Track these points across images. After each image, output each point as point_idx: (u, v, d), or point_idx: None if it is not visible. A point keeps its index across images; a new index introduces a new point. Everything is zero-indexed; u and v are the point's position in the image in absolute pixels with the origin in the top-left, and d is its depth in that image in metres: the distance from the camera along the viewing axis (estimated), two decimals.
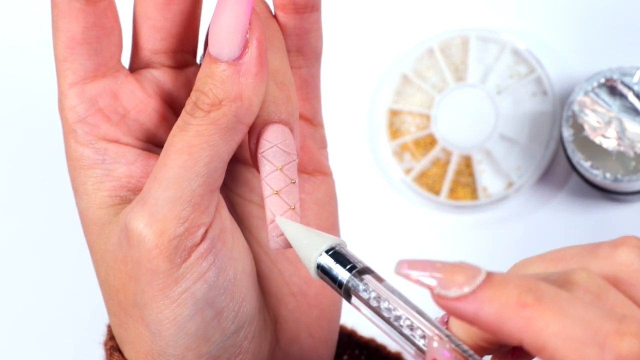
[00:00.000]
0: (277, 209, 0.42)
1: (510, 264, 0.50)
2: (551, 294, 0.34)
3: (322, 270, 0.40)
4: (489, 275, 0.34)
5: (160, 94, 0.45)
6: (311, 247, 0.40)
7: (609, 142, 0.68)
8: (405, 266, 0.36)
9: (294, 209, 0.42)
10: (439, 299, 0.35)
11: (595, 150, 0.68)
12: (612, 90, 0.68)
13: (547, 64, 0.71)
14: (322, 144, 0.49)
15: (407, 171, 0.72)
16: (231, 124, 0.41)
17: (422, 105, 0.73)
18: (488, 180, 0.72)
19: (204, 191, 0.41)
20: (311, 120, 0.48)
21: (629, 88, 0.68)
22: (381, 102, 0.72)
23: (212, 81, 0.41)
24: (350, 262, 0.39)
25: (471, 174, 0.72)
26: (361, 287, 0.38)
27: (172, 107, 0.45)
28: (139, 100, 0.45)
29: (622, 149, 0.68)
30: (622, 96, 0.68)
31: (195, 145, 0.41)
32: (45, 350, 0.73)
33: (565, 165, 0.71)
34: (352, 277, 0.39)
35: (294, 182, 0.42)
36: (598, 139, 0.68)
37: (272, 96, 0.42)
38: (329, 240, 0.40)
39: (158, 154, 0.43)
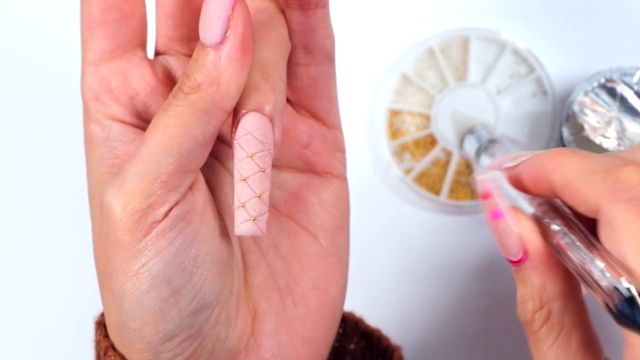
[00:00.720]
0: (243, 196, 0.43)
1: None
2: (583, 151, 0.42)
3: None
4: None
5: (171, 80, 0.46)
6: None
7: (609, 142, 0.68)
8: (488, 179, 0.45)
9: (259, 197, 0.42)
10: (506, 171, 0.46)
11: (595, 150, 0.68)
12: (612, 90, 0.68)
13: (547, 64, 0.71)
14: (336, 147, 0.49)
15: (407, 171, 0.72)
16: (207, 107, 0.42)
17: (422, 105, 0.73)
18: None
19: (175, 170, 0.42)
20: (324, 120, 0.48)
21: (629, 88, 0.68)
22: (381, 102, 0.73)
23: (195, 65, 0.42)
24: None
25: (471, 174, 0.72)
26: None
27: None
28: (147, 84, 0.46)
29: (622, 149, 0.68)
30: (622, 96, 0.68)
31: (170, 125, 0.42)
32: (45, 349, 0.73)
33: None
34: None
35: (264, 171, 0.43)
36: (598, 139, 0.68)
37: (255, 85, 0.43)
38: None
39: None
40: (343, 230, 0.50)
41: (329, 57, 0.47)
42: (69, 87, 0.74)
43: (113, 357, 0.45)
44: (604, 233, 0.41)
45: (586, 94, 0.68)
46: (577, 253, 0.42)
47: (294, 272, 0.48)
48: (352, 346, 0.54)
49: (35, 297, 0.73)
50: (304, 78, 0.47)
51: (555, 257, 0.44)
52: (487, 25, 0.72)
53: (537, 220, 0.45)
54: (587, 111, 0.68)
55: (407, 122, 0.73)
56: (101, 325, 0.46)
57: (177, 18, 0.46)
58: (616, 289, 0.39)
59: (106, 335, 0.46)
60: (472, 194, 0.72)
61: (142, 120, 0.46)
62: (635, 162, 0.41)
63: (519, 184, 0.46)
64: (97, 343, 0.46)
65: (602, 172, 0.41)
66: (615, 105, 0.68)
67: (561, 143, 0.69)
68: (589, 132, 0.68)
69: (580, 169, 0.42)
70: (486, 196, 0.45)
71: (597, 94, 0.68)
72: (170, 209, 0.42)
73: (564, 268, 0.44)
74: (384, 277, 0.73)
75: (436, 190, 0.72)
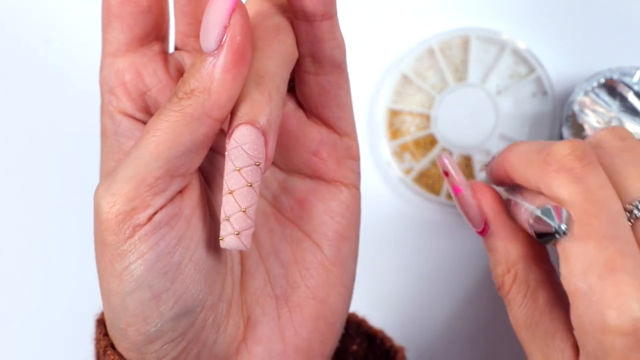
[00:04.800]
0: (228, 209, 0.42)
1: None
2: (532, 141, 0.48)
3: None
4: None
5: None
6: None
7: None
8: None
9: (244, 211, 0.42)
10: (484, 169, 0.53)
11: None
12: (612, 90, 0.68)
13: (547, 64, 0.71)
14: (348, 155, 0.49)
15: (407, 171, 0.72)
16: (197, 114, 0.42)
17: (422, 105, 0.73)
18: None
19: (161, 174, 0.42)
20: (335, 128, 0.48)
21: (629, 88, 0.68)
22: (381, 102, 0.72)
23: (192, 70, 0.42)
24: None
25: (471, 174, 0.72)
26: None
27: None
28: (159, 80, 0.46)
29: None
30: (622, 96, 0.68)
31: (160, 129, 0.42)
32: (47, 347, 0.73)
33: None
34: None
35: (251, 186, 0.42)
36: None
37: (250, 97, 0.42)
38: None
39: None
40: (350, 240, 0.49)
41: (338, 67, 0.46)
42: (70, 87, 0.74)
43: (112, 357, 0.45)
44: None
45: (586, 94, 0.68)
46: (515, 206, 0.48)
47: (292, 280, 0.48)
48: (354, 347, 0.54)
49: (36, 296, 0.73)
50: (313, 86, 0.46)
51: (514, 224, 0.48)
52: (487, 25, 0.72)
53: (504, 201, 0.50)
54: (587, 111, 0.68)
55: (407, 122, 0.73)
56: (101, 323, 0.46)
57: (191, 16, 0.45)
58: (532, 214, 0.44)
59: (106, 334, 0.46)
60: None
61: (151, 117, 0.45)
62: (571, 140, 0.44)
63: (492, 179, 0.51)
64: (97, 341, 0.46)
65: (538, 152, 0.45)
66: (615, 105, 0.68)
67: None
68: (589, 132, 0.68)
69: (523, 153, 0.47)
70: (446, 174, 0.50)
71: (597, 94, 0.68)
72: (155, 213, 0.42)
73: (524, 233, 0.48)
74: (383, 277, 0.73)
75: (436, 191, 0.72)
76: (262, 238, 0.49)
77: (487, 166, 0.53)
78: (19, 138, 0.73)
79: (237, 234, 0.42)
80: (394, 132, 0.73)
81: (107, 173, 0.45)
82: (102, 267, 0.42)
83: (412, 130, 0.73)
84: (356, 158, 0.49)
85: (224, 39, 0.41)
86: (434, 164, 0.73)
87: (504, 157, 0.49)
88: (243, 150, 0.42)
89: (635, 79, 0.68)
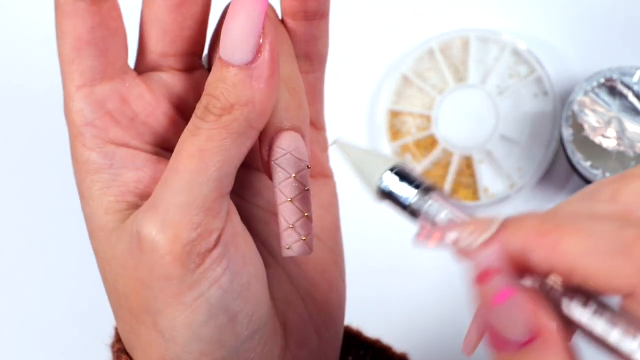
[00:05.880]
0: (291, 217, 0.41)
1: None
2: (568, 216, 0.35)
3: (385, 193, 0.41)
4: (505, 219, 0.35)
5: (169, 97, 0.45)
6: (371, 172, 0.40)
7: (609, 142, 0.68)
8: (421, 238, 0.37)
9: (307, 216, 0.42)
10: (464, 254, 0.36)
11: (595, 150, 0.68)
12: (612, 90, 0.68)
13: (547, 64, 0.71)
14: (325, 147, 0.49)
15: None
16: (243, 128, 0.41)
17: (423, 107, 0.73)
18: (489, 181, 0.72)
19: (216, 196, 0.41)
20: (315, 123, 0.48)
21: (629, 88, 0.68)
22: (382, 103, 0.73)
23: (223, 85, 0.41)
24: (414, 181, 0.40)
25: (472, 175, 0.72)
26: (426, 206, 0.39)
27: (181, 110, 0.45)
28: (148, 104, 0.44)
29: (622, 149, 0.68)
30: (622, 96, 0.68)
31: (207, 150, 0.40)
32: (47, 347, 0.73)
33: (567, 166, 0.71)
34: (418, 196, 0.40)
35: (308, 190, 0.42)
36: (598, 139, 0.68)
37: (284, 103, 0.42)
38: (389, 162, 0.40)
39: (168, 158, 0.42)
40: (339, 228, 0.49)
41: (323, 63, 0.47)
42: None
43: None
44: None
45: (586, 94, 0.68)
46: (603, 324, 0.35)
47: (311, 278, 0.48)
48: (350, 358, 0.54)
49: (36, 296, 0.73)
50: (304, 86, 0.47)
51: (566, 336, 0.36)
52: (487, 26, 0.72)
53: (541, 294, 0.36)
54: (587, 111, 0.68)
55: (407, 123, 0.73)
56: (123, 352, 0.45)
57: (175, 34, 0.44)
58: None
59: None
60: (474, 194, 0.72)
61: (147, 143, 0.44)
62: None
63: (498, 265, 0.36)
64: None
65: (621, 253, 0.34)
66: (615, 105, 0.68)
67: (561, 143, 0.69)
68: (588, 132, 0.68)
69: (589, 252, 0.34)
70: (488, 275, 0.35)
71: (597, 94, 0.68)
72: (220, 236, 0.41)
73: (572, 348, 0.36)
74: (385, 278, 0.73)
75: None
76: (274, 246, 0.48)
77: (487, 243, 0.36)
78: (19, 138, 0.74)
79: (304, 240, 0.42)
80: (395, 133, 0.73)
81: (107, 210, 0.43)
82: (163, 303, 0.41)
83: (413, 132, 0.73)
84: (327, 149, 0.49)
85: (260, 49, 0.40)
86: (435, 165, 0.73)
87: (542, 247, 0.35)
88: (293, 156, 0.41)
89: (635, 79, 0.68)
